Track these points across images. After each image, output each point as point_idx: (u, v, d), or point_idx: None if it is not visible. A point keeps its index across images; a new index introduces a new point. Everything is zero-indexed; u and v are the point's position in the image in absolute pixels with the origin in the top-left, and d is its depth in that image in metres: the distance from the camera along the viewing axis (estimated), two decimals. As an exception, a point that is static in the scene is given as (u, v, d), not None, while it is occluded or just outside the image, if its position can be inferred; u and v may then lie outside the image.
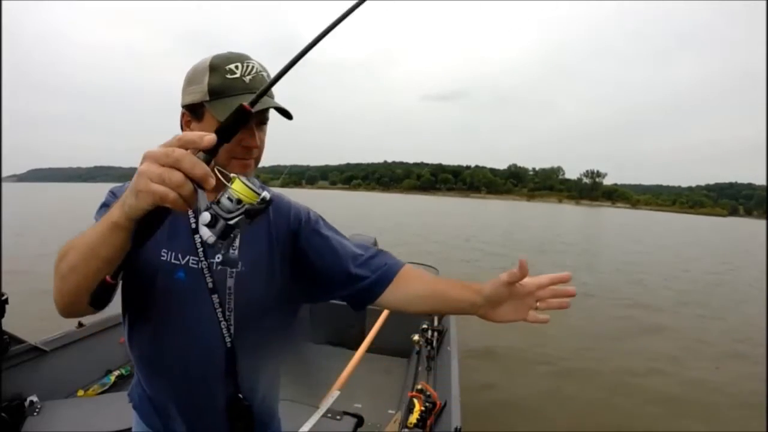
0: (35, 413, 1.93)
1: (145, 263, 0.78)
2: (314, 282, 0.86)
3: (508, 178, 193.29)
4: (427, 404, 1.99)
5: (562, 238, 19.87)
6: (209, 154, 0.49)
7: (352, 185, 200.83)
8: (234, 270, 0.79)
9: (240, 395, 0.83)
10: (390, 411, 2.43)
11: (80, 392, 2.36)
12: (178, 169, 0.46)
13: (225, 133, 0.49)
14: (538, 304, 0.72)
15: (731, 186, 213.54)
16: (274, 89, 0.63)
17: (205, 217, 0.50)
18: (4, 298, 1.75)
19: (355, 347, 2.30)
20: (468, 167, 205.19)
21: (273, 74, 0.57)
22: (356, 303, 0.86)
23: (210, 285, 0.78)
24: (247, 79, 0.73)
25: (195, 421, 0.85)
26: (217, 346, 0.79)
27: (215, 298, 0.78)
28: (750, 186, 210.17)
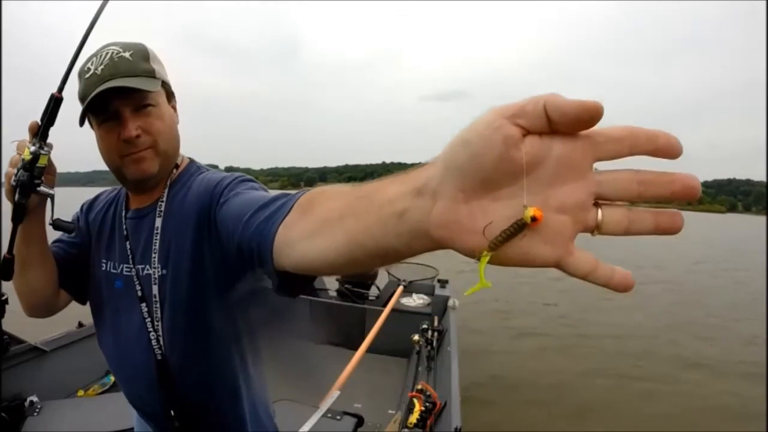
0: (35, 413, 1.93)
1: (92, 274, 0.82)
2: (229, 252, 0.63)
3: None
4: (427, 404, 1.99)
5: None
6: (39, 138, 0.65)
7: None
8: (156, 276, 0.74)
9: (172, 412, 0.78)
10: (390, 411, 2.43)
11: (80, 392, 2.37)
12: (19, 153, 0.65)
13: (44, 121, 0.65)
14: (601, 210, 0.27)
15: (729, 182, 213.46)
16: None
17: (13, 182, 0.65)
18: (4, 298, 1.75)
19: (355, 347, 2.30)
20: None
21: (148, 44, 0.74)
22: (255, 260, 0.52)
23: (139, 293, 0.75)
24: (99, 70, 0.68)
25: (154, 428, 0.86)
26: (149, 358, 0.75)
27: (143, 306, 0.75)
28: (748, 182, 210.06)
